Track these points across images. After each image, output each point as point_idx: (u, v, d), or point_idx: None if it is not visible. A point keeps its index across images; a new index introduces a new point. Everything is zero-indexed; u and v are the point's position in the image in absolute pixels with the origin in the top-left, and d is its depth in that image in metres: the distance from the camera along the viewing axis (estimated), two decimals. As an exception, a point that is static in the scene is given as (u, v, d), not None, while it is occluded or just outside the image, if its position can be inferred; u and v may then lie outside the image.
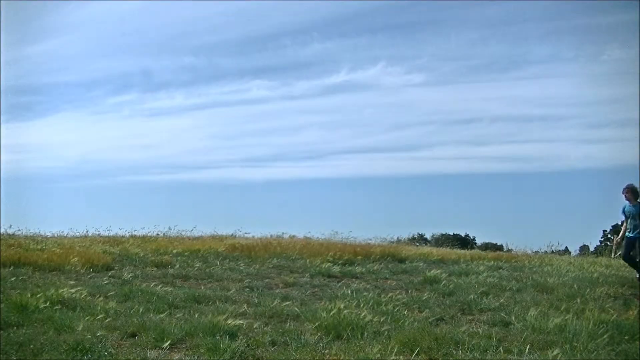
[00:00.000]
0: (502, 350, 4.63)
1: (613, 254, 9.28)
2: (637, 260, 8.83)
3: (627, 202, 8.87)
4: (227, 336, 4.86)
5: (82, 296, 6.57)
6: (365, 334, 5.05)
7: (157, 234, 15.45)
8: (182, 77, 63.08)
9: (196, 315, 5.77)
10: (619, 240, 9.06)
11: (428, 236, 27.85)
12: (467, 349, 4.63)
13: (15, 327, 5.14)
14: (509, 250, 15.92)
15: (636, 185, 8.47)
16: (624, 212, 8.88)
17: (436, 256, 12.06)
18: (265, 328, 5.38)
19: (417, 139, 69.00)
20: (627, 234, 8.77)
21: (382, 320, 5.63)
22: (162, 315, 5.71)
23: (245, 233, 16.17)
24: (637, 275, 8.65)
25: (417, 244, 18.49)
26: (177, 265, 9.98)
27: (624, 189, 8.91)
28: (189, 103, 64.48)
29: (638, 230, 8.69)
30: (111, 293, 6.97)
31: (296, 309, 6.17)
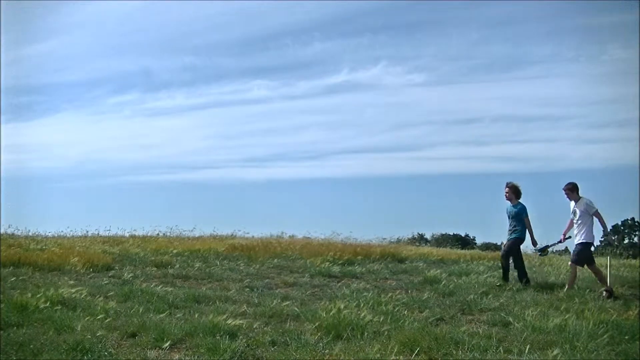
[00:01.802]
0: (502, 350, 4.63)
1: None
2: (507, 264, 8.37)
3: (509, 201, 8.44)
4: (227, 336, 4.86)
5: (82, 296, 6.58)
6: (365, 334, 5.06)
7: (157, 234, 15.47)
8: (183, 77, 63.26)
9: (196, 315, 5.77)
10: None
11: (428, 236, 27.91)
12: (467, 349, 4.63)
13: (15, 327, 5.15)
14: (509, 250, 15.89)
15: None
16: (507, 212, 8.49)
17: (436, 256, 12.06)
18: (265, 328, 5.38)
19: (417, 139, 69.19)
20: (508, 235, 8.45)
21: (382, 320, 5.63)
22: (162, 315, 5.71)
23: (245, 233, 16.19)
24: (503, 282, 8.25)
25: (417, 244, 18.49)
26: (177, 265, 9.98)
27: (505, 187, 8.46)
28: (190, 103, 64.67)
29: (518, 232, 8.29)
30: (111, 293, 6.97)
31: (296, 309, 6.17)
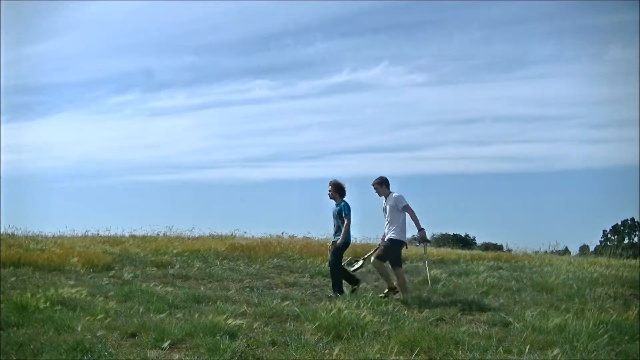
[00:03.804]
0: (502, 350, 4.62)
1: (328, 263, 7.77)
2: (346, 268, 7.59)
3: (333, 200, 7.75)
4: (227, 336, 4.85)
5: (82, 296, 6.57)
6: (365, 334, 5.05)
7: (157, 234, 15.48)
8: (184, 77, 63.31)
9: (196, 315, 5.76)
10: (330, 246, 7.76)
11: (428, 236, 27.87)
12: (467, 349, 4.63)
13: (15, 327, 5.14)
14: (509, 250, 15.95)
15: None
16: (332, 212, 7.75)
17: (436, 256, 12.07)
18: (265, 328, 5.38)
19: (418, 139, 69.26)
20: (333, 238, 7.74)
21: (382, 320, 5.63)
22: (162, 315, 5.71)
23: (245, 233, 16.20)
24: (332, 293, 7.42)
25: (417, 244, 18.45)
26: (177, 265, 9.98)
27: (328, 185, 7.73)
28: (190, 103, 64.71)
29: (341, 234, 7.53)
30: (111, 293, 6.97)
31: (296, 309, 6.17)
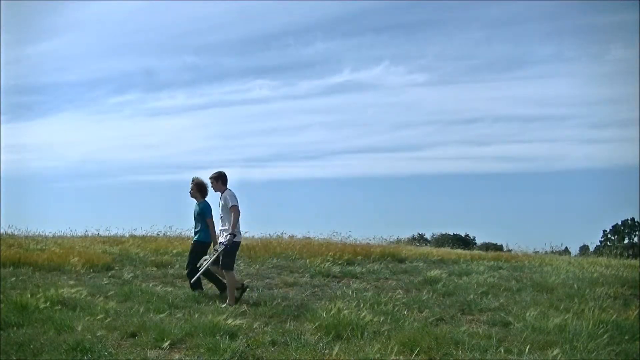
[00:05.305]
0: (502, 350, 4.63)
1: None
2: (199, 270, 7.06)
3: (194, 199, 7.52)
4: (227, 336, 4.86)
5: (82, 296, 6.58)
6: (365, 334, 5.06)
7: (157, 234, 15.44)
8: (184, 77, 63.33)
9: (196, 315, 5.77)
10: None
11: (428, 236, 27.93)
12: (467, 349, 4.63)
13: (15, 327, 5.15)
14: (509, 250, 15.95)
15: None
16: (193, 212, 7.53)
17: (436, 256, 12.05)
18: (265, 328, 5.38)
19: (419, 139, 69.29)
20: (194, 238, 7.49)
21: (382, 320, 5.63)
22: (162, 315, 5.71)
23: (245, 233, 16.14)
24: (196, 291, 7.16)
25: (417, 244, 18.48)
26: (177, 265, 9.97)
27: (190, 183, 7.51)
28: (191, 103, 64.72)
29: (200, 235, 7.34)
30: (111, 293, 6.97)
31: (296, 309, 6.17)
